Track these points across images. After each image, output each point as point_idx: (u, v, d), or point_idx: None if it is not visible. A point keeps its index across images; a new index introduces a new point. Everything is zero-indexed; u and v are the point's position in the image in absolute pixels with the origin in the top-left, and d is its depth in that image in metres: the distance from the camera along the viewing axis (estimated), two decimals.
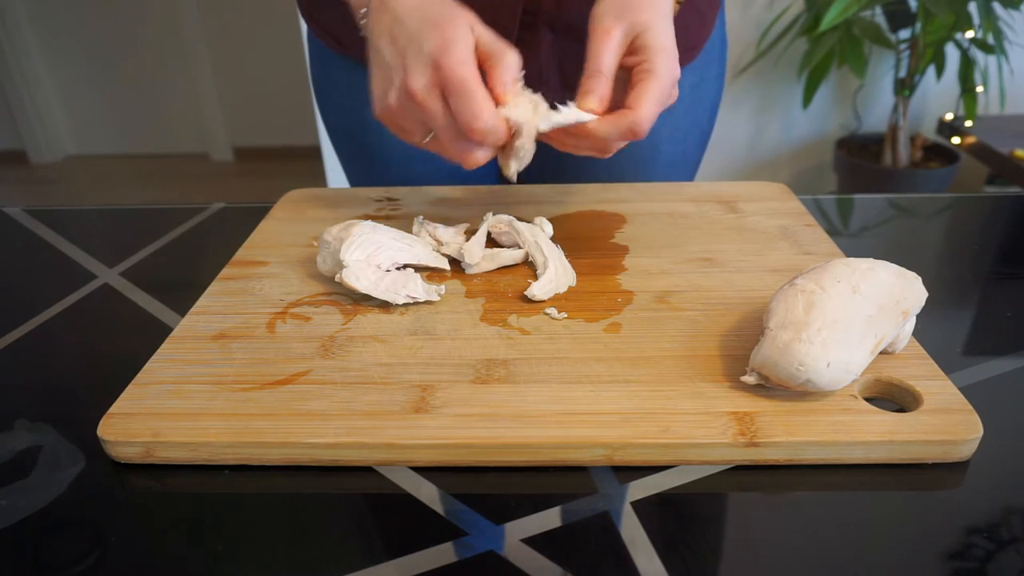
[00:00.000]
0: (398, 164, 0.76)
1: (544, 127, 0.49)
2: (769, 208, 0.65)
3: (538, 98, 0.50)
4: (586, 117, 0.49)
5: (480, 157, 0.49)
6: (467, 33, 0.47)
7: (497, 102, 0.48)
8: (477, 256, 0.54)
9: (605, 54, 0.50)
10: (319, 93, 0.80)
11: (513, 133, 0.49)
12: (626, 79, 0.51)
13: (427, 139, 0.50)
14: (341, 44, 0.73)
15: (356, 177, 0.83)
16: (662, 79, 0.50)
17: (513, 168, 0.52)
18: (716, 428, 0.38)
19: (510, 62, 0.49)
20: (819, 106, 2.30)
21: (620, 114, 0.50)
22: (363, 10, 0.52)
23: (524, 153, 0.51)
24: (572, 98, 0.58)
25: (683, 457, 0.38)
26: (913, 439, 0.38)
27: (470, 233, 0.59)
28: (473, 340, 0.47)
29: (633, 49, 0.51)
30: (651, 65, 0.50)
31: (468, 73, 0.46)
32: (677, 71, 0.51)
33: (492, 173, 0.80)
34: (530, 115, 0.49)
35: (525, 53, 0.67)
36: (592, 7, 0.52)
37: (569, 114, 0.49)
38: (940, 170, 2.10)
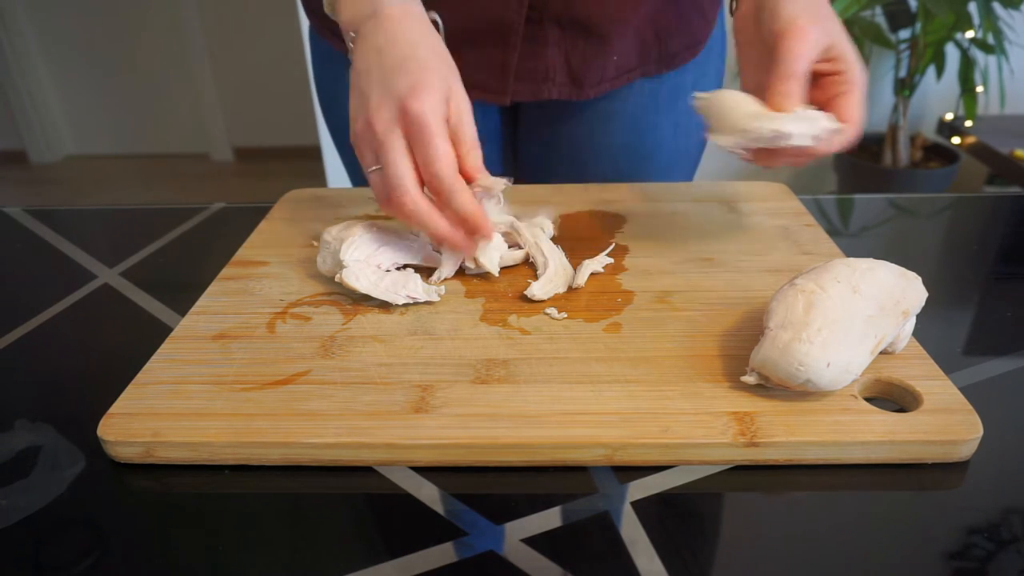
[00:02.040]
0: None
1: (798, 134, 0.49)
2: (769, 208, 0.65)
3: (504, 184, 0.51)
4: (830, 126, 0.50)
5: (409, 207, 0.48)
6: (442, 85, 0.47)
7: (465, 174, 0.49)
8: (496, 266, 0.54)
9: (803, 56, 0.50)
10: (322, 92, 0.80)
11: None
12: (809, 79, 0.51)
13: (372, 170, 0.50)
14: (344, 42, 0.72)
15: (359, 177, 0.82)
16: (862, 87, 0.52)
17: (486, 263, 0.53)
18: (716, 428, 0.38)
19: (474, 152, 0.49)
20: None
21: (841, 131, 0.51)
22: (352, 33, 0.52)
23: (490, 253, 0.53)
24: (582, 96, 0.56)
25: (683, 457, 0.38)
26: (913, 439, 0.38)
27: None
28: (473, 340, 0.47)
29: (826, 57, 0.52)
30: (852, 76, 0.51)
31: (433, 120, 0.46)
32: (866, 81, 0.52)
33: (496, 173, 0.80)
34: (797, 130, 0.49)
35: (532, 49, 0.67)
36: (765, 6, 0.53)
37: (804, 127, 0.49)
38: (940, 170, 2.10)
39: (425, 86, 0.46)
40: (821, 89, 0.52)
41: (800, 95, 0.50)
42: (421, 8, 0.52)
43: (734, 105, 0.50)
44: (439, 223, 0.49)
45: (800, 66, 0.50)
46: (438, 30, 0.53)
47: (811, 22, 0.50)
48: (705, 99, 0.52)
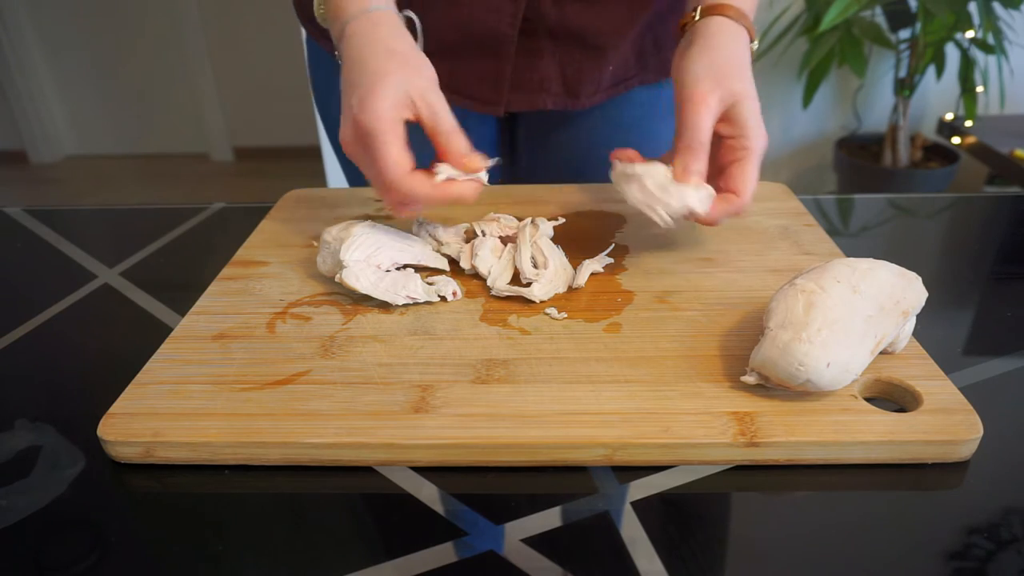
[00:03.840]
0: None
1: (696, 207, 0.50)
2: (769, 208, 0.65)
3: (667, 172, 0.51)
4: (698, 207, 0.50)
5: (408, 210, 0.50)
6: (393, 89, 0.47)
7: (451, 162, 0.49)
8: (504, 281, 0.53)
9: (704, 125, 0.50)
10: (319, 95, 0.80)
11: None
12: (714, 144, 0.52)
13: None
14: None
15: (356, 178, 0.82)
16: (758, 154, 0.51)
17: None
18: (716, 428, 0.38)
19: (454, 138, 0.49)
20: (819, 106, 2.30)
21: (727, 200, 0.51)
22: (336, 53, 0.53)
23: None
24: (577, 106, 0.57)
25: (683, 457, 0.38)
26: (913, 439, 0.38)
27: (469, 234, 0.59)
28: (473, 340, 0.47)
29: (726, 118, 0.51)
30: (749, 143, 0.51)
31: (381, 129, 0.46)
32: (766, 142, 0.52)
33: (496, 175, 0.80)
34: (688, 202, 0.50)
35: (527, 61, 0.67)
36: (680, 61, 0.53)
37: (680, 203, 0.50)
38: (940, 170, 2.10)
39: (372, 96, 0.47)
40: (720, 152, 0.52)
41: (700, 167, 0.50)
42: (388, 13, 0.51)
43: (644, 174, 0.51)
44: (430, 197, 0.49)
45: (698, 137, 0.50)
46: (413, 28, 0.52)
47: (712, 87, 0.50)
48: (620, 171, 0.53)
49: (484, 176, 0.51)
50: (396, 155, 0.47)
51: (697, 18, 0.55)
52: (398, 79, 0.48)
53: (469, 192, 0.50)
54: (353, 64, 0.49)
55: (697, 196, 0.50)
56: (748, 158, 0.51)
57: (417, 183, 0.48)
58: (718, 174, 0.52)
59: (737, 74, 0.51)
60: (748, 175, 0.51)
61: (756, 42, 0.56)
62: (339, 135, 0.50)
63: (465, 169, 0.49)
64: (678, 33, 0.57)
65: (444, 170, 0.49)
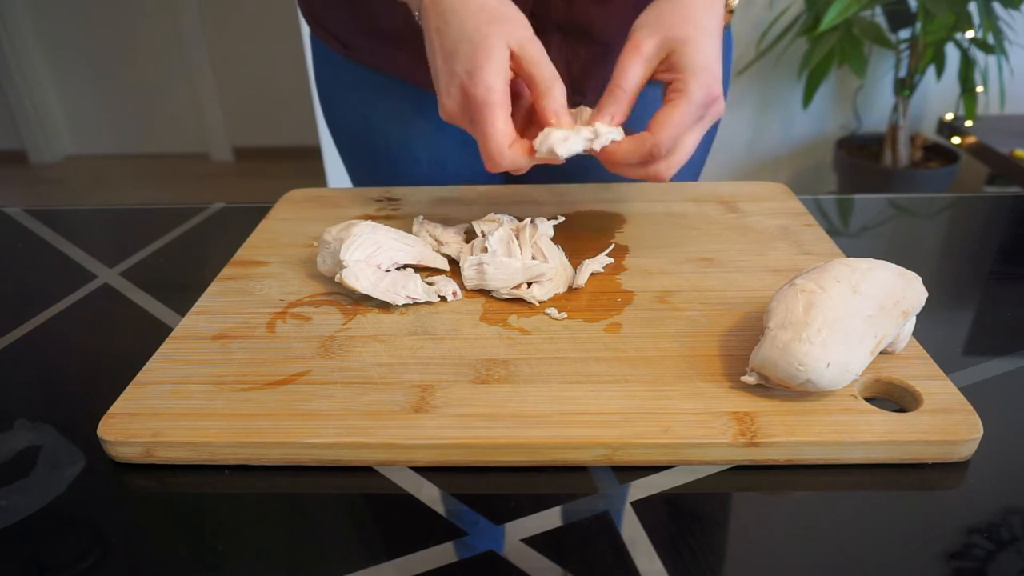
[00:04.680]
0: (404, 166, 0.76)
1: (563, 153, 0.48)
2: (769, 208, 0.65)
3: (583, 112, 0.50)
4: (601, 134, 0.48)
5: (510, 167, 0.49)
6: (498, 52, 0.46)
7: (545, 124, 0.48)
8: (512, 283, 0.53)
9: (629, 70, 0.49)
10: (323, 96, 0.80)
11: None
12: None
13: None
14: (346, 47, 0.72)
15: (361, 180, 0.82)
16: (692, 101, 0.47)
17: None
18: (716, 428, 0.38)
19: (556, 94, 0.48)
20: (819, 106, 2.30)
21: (638, 137, 0.48)
22: (417, 13, 0.52)
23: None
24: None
25: (683, 457, 0.38)
26: (913, 439, 0.38)
27: (469, 234, 0.59)
28: (473, 340, 0.47)
29: (668, 66, 0.49)
30: (681, 84, 0.48)
31: (488, 98, 0.46)
32: (715, 90, 0.48)
33: (497, 175, 0.80)
34: (576, 144, 0.48)
35: None
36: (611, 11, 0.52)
37: (579, 139, 0.48)
38: (940, 170, 2.10)
39: (479, 65, 0.46)
40: (664, 101, 0.50)
41: (616, 109, 0.49)
42: None
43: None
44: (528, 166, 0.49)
45: (620, 79, 0.49)
46: None
47: (649, 34, 0.48)
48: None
49: (613, 135, 0.49)
50: (502, 127, 0.47)
51: None
52: (499, 39, 0.47)
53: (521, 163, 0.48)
54: (448, 27, 0.48)
55: (582, 134, 0.48)
56: (675, 100, 0.48)
57: (519, 156, 0.48)
58: None
59: (685, 19, 0.49)
60: (667, 115, 0.48)
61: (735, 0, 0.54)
62: (440, 105, 0.49)
63: (547, 124, 0.48)
64: None
65: (545, 138, 0.48)
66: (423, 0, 0.50)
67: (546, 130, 0.48)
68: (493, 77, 0.46)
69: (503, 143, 0.47)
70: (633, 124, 0.74)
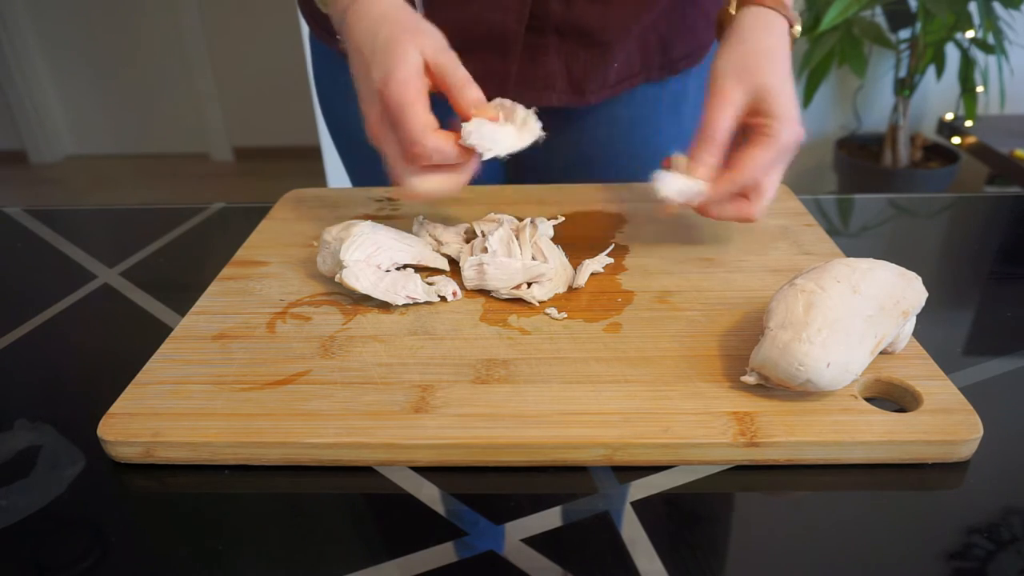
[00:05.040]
0: None
1: (472, 140, 0.48)
2: (769, 208, 0.65)
3: (528, 114, 0.50)
4: (676, 195, 0.50)
5: (422, 184, 0.49)
6: (409, 56, 0.47)
7: (464, 119, 0.48)
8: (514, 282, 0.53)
9: (722, 119, 0.50)
10: (322, 94, 0.80)
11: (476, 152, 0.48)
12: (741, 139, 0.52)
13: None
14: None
15: (360, 179, 0.82)
16: (780, 144, 0.50)
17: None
18: (716, 428, 0.38)
19: (471, 90, 0.48)
20: (819, 106, 2.30)
21: (721, 175, 0.50)
22: (339, 37, 0.53)
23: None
24: (583, 103, 0.56)
25: (683, 457, 0.38)
26: (913, 439, 0.38)
27: (469, 234, 0.59)
28: (473, 340, 0.47)
29: (755, 111, 0.51)
30: (771, 130, 0.50)
31: (406, 96, 0.46)
32: (799, 136, 0.51)
33: (497, 175, 0.80)
34: (506, 137, 0.48)
35: (532, 57, 0.67)
36: (715, 58, 0.53)
37: (676, 184, 0.50)
38: (940, 170, 2.10)
39: (393, 66, 0.46)
40: (748, 142, 0.52)
41: (712, 159, 0.50)
42: None
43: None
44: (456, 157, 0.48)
45: (710, 129, 0.50)
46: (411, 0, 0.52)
47: (737, 82, 0.50)
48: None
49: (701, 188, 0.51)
50: (422, 116, 0.47)
51: (733, 11, 0.55)
52: (411, 46, 0.47)
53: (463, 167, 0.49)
54: (363, 42, 0.49)
55: (677, 184, 0.50)
56: (763, 143, 0.50)
57: (442, 141, 0.47)
58: None
59: (767, 67, 0.51)
60: (755, 156, 0.50)
61: (798, 26, 0.56)
62: (365, 121, 0.49)
63: (469, 117, 0.48)
64: (716, 28, 0.57)
65: (471, 128, 0.47)
66: (344, 22, 0.51)
67: (474, 121, 0.48)
68: (407, 76, 0.46)
69: (423, 130, 0.46)
70: (635, 125, 0.74)
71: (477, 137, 0.47)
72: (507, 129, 0.49)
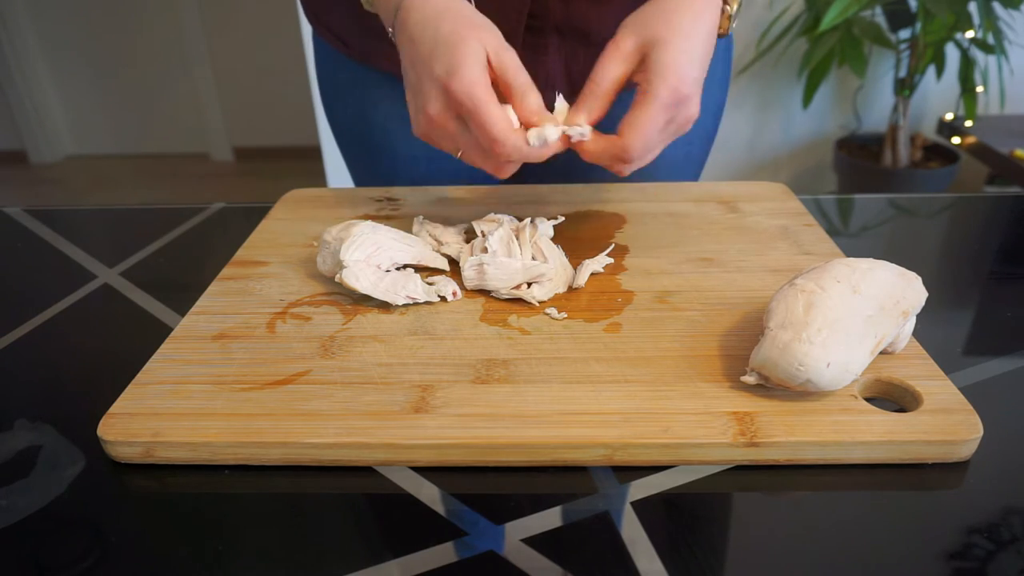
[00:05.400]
0: (404, 165, 0.76)
1: (535, 142, 0.48)
2: (769, 208, 0.65)
3: (563, 107, 0.50)
4: (570, 131, 0.49)
5: (510, 169, 0.50)
6: (476, 53, 0.46)
7: (524, 123, 0.48)
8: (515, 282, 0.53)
9: (606, 68, 0.49)
10: (325, 95, 0.80)
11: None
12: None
13: (459, 154, 0.51)
14: (347, 46, 0.72)
15: (361, 178, 0.82)
16: (657, 100, 0.47)
17: None
18: (716, 428, 0.38)
19: (532, 98, 0.48)
20: (819, 106, 2.30)
21: (609, 139, 0.49)
22: (390, 29, 0.52)
23: None
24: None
25: (683, 457, 0.38)
26: (913, 439, 0.38)
27: (470, 234, 0.59)
28: (473, 340, 0.47)
29: (642, 67, 0.49)
30: (648, 85, 0.47)
31: (479, 95, 0.46)
32: (681, 89, 0.47)
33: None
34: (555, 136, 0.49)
35: (532, 57, 0.67)
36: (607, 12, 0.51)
37: (553, 131, 0.48)
38: (940, 170, 2.10)
39: (459, 64, 0.46)
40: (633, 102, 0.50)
41: (592, 105, 0.49)
42: None
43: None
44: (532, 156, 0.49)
45: (594, 78, 0.49)
46: None
47: (631, 33, 0.49)
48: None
49: (583, 133, 0.49)
50: (502, 116, 0.46)
51: None
52: (475, 41, 0.47)
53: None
54: (423, 35, 0.48)
55: (556, 130, 0.48)
56: (644, 102, 0.48)
57: (523, 142, 0.47)
58: None
59: (663, 22, 0.48)
60: (635, 118, 0.47)
61: (734, 6, 0.53)
62: (419, 115, 0.49)
63: (530, 125, 0.48)
64: None
65: (538, 134, 0.48)
66: (397, 14, 0.50)
67: (533, 129, 0.48)
68: (476, 74, 0.46)
69: (505, 131, 0.46)
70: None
71: (540, 139, 0.48)
72: (559, 131, 0.49)
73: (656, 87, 0.47)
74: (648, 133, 0.48)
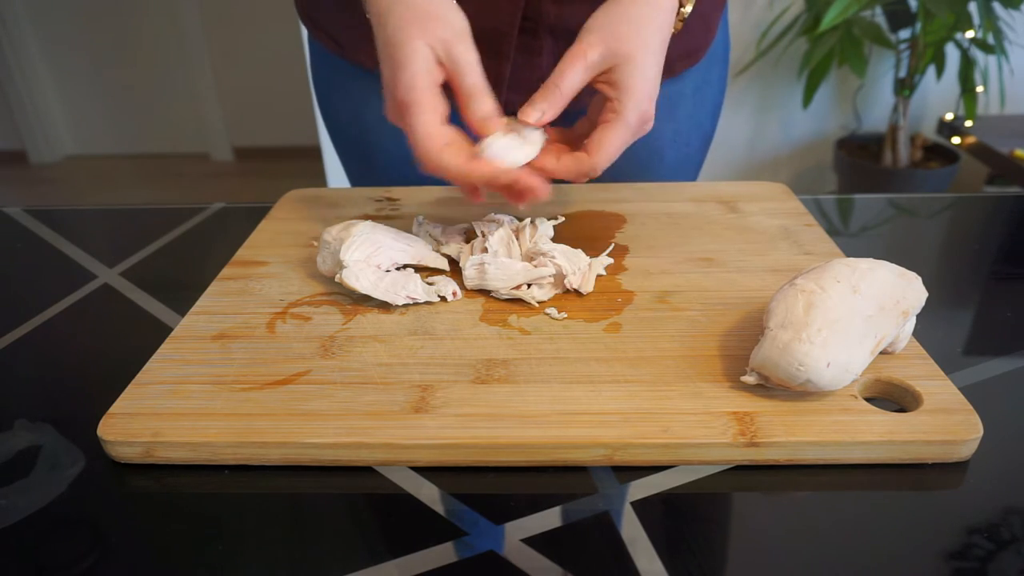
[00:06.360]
0: (399, 164, 0.76)
1: (486, 154, 0.47)
2: (769, 208, 0.65)
3: (531, 129, 0.50)
4: (529, 145, 0.48)
5: (479, 194, 0.50)
6: (416, 53, 0.46)
7: (473, 131, 0.48)
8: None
9: (570, 73, 0.48)
10: (320, 95, 0.80)
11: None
12: (602, 100, 0.50)
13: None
14: (340, 47, 0.73)
15: (357, 177, 0.83)
16: (627, 123, 0.48)
17: None
18: (716, 428, 0.38)
19: (479, 101, 0.47)
20: (819, 106, 2.30)
21: (577, 157, 0.49)
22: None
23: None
24: (577, 106, 0.57)
25: (683, 457, 0.38)
26: (913, 439, 0.38)
27: (470, 234, 0.59)
28: (473, 340, 0.47)
29: (608, 80, 0.49)
30: (619, 106, 0.48)
31: (410, 98, 0.45)
32: (648, 111, 0.49)
33: None
34: (517, 151, 0.48)
35: (525, 58, 0.67)
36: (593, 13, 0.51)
37: (500, 141, 0.48)
38: (940, 170, 2.10)
39: (398, 65, 0.46)
40: (598, 110, 0.51)
41: (547, 106, 0.48)
42: None
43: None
44: (465, 175, 0.48)
45: (556, 79, 0.48)
46: None
47: (599, 42, 0.48)
48: None
49: (532, 149, 0.48)
50: (425, 127, 0.46)
51: None
52: (420, 40, 0.46)
53: (518, 178, 0.48)
54: (377, 33, 0.48)
55: (506, 141, 0.48)
56: (612, 122, 0.48)
57: (447, 158, 0.46)
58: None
59: (632, 35, 0.48)
60: (605, 138, 0.48)
61: (689, 6, 0.53)
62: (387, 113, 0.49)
63: (478, 134, 0.47)
64: None
65: (490, 143, 0.46)
66: (369, 14, 0.50)
67: (487, 139, 0.48)
68: (412, 78, 0.45)
69: (430, 145, 0.46)
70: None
71: (491, 152, 0.47)
72: (516, 142, 0.49)
73: (627, 111, 0.48)
74: (616, 152, 0.49)
